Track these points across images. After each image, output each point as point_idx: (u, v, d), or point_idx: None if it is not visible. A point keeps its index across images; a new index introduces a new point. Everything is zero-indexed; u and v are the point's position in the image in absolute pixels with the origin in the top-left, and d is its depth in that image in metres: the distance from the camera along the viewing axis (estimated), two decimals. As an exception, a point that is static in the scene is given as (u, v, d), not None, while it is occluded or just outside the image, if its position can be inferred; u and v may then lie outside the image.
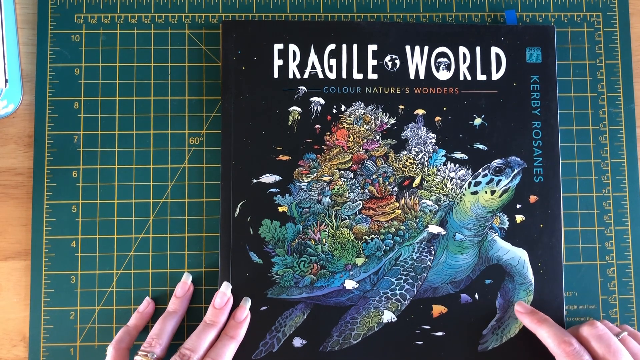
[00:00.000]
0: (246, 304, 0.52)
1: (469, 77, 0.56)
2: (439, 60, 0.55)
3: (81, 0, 0.56)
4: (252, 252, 0.53)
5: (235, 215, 0.53)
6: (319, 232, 0.53)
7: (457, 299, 0.54)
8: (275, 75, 0.54)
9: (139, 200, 0.55)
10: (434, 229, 0.54)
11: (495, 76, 0.56)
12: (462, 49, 0.56)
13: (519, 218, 0.54)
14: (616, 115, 0.57)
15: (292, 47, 0.55)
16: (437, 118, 0.55)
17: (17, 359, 0.53)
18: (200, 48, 0.57)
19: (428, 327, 0.53)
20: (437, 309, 0.53)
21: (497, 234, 0.54)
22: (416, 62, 0.55)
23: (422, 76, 0.55)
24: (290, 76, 0.54)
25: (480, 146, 0.55)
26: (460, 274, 0.54)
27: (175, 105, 0.56)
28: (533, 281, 0.54)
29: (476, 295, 0.54)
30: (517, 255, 0.54)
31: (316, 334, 0.52)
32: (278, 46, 0.55)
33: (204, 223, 0.55)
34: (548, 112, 0.55)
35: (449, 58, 0.55)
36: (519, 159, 0.55)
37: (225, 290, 0.52)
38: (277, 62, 0.55)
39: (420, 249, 0.54)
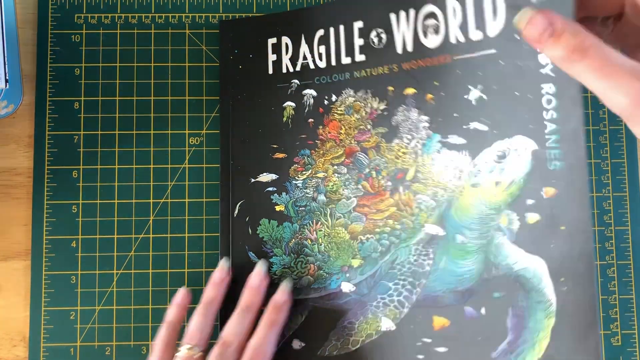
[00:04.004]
0: (286, 286, 0.50)
1: (461, 39, 0.46)
2: (426, 22, 0.48)
3: (81, 0, 0.57)
4: (252, 252, 0.52)
5: (235, 215, 0.53)
6: (315, 232, 0.52)
7: (461, 313, 0.45)
8: (270, 71, 0.54)
9: (139, 200, 0.55)
10: (432, 229, 0.47)
11: (492, 30, 0.44)
12: (452, 3, 0.46)
13: (532, 218, 0.43)
14: (616, 115, 0.57)
15: (285, 40, 0.54)
16: (429, 96, 0.48)
17: (17, 359, 0.53)
18: (201, 48, 0.57)
19: (429, 340, 0.46)
20: (439, 321, 0.46)
21: (505, 236, 0.44)
22: (402, 31, 0.49)
23: (409, 48, 0.49)
24: (284, 70, 0.53)
25: (479, 125, 0.45)
26: (463, 282, 0.45)
27: (175, 105, 0.56)
28: (555, 301, 0.41)
29: (482, 310, 0.44)
30: (532, 266, 0.42)
31: (315, 336, 0.51)
32: (272, 40, 0.54)
33: (204, 223, 0.55)
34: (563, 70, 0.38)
35: (437, 18, 0.48)
36: (527, 139, 0.43)
37: (260, 269, 0.50)
38: (271, 57, 0.54)
39: (418, 252, 0.47)
